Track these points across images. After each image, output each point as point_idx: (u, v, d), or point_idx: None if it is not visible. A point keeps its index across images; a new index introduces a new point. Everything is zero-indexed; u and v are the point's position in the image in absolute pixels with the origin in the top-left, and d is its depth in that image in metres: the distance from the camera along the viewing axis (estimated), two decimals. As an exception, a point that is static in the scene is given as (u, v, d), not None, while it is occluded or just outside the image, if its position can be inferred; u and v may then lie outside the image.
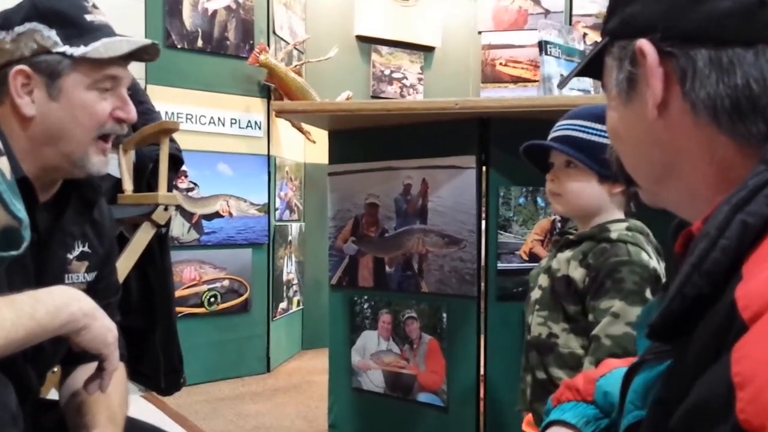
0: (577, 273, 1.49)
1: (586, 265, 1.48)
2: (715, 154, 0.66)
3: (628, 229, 1.49)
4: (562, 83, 0.87)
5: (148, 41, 1.26)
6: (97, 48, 1.18)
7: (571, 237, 1.55)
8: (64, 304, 1.03)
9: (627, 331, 1.37)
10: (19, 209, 0.99)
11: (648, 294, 1.41)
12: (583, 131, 1.48)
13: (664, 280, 1.43)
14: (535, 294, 1.61)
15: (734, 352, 0.50)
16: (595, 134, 1.46)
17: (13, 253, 0.98)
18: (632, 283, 1.41)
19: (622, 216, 1.55)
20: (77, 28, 1.19)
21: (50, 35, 1.17)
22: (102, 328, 1.07)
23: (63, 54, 1.17)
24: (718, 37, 0.64)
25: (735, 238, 0.57)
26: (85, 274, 1.34)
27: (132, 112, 1.25)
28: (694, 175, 0.69)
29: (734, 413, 0.48)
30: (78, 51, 1.17)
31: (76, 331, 1.04)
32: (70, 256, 1.30)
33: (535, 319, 1.57)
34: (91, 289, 1.32)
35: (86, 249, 1.33)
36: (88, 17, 1.21)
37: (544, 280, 1.59)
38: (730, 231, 0.57)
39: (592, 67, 0.79)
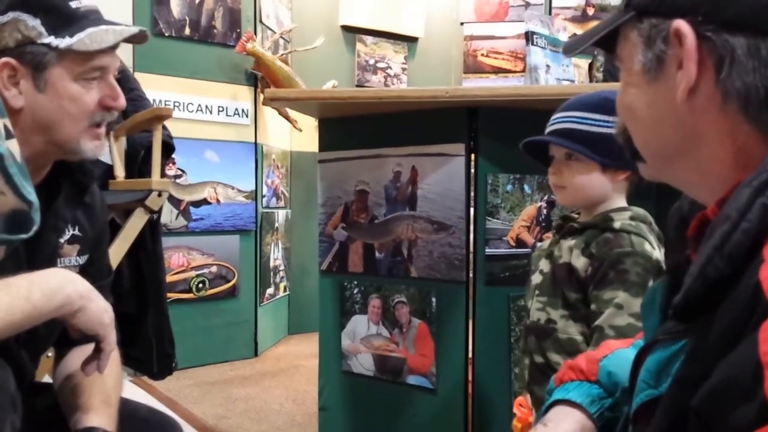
0: (580, 262, 1.48)
1: (589, 254, 1.47)
2: (737, 140, 0.66)
3: (632, 218, 1.49)
4: (571, 50, 0.85)
5: (135, 29, 1.23)
6: (83, 39, 1.16)
7: (575, 225, 1.55)
8: (59, 286, 1.03)
9: (630, 322, 1.36)
10: (30, 192, 0.98)
11: (651, 285, 1.36)
12: (581, 122, 1.48)
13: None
14: (536, 279, 1.61)
15: (761, 332, 0.51)
16: (594, 125, 1.46)
17: (23, 236, 0.98)
18: (636, 275, 1.41)
19: (624, 202, 1.54)
20: (62, 17, 1.16)
21: (35, 25, 1.14)
22: (98, 309, 1.08)
23: (48, 45, 1.15)
24: (759, 26, 0.63)
25: (756, 221, 0.57)
26: (77, 258, 1.33)
27: (121, 99, 1.23)
28: (710, 157, 0.68)
29: (762, 391, 0.49)
30: (63, 43, 1.15)
31: (72, 313, 1.04)
32: (61, 240, 1.29)
33: (535, 304, 1.58)
34: (83, 272, 1.30)
35: (77, 232, 1.32)
36: (74, 4, 1.18)
37: (545, 265, 1.59)
38: (751, 214, 0.58)
39: (604, 38, 0.77)
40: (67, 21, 1.17)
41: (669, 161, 0.74)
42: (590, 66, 3.06)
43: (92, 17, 1.20)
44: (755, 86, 0.64)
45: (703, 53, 0.65)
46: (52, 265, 1.26)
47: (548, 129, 1.54)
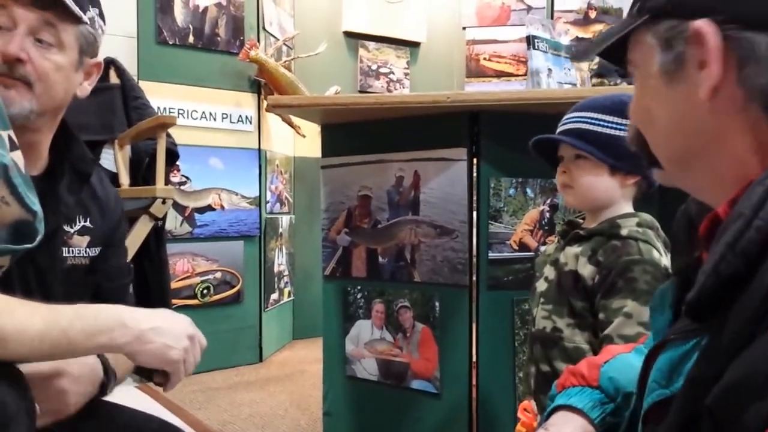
0: (586, 270, 1.46)
1: (596, 262, 1.45)
2: (755, 140, 0.66)
3: (639, 224, 1.46)
4: (580, 58, 0.86)
5: None
6: None
7: (581, 232, 1.52)
8: (106, 328, 1.01)
9: (640, 331, 1.33)
10: (34, 202, 0.98)
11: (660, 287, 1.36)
12: (593, 123, 1.46)
13: None
14: (541, 286, 1.58)
15: None
16: (606, 126, 1.45)
17: (27, 246, 0.98)
18: (645, 283, 1.38)
19: (631, 208, 1.52)
20: None
21: None
22: (157, 349, 1.06)
23: None
24: None
25: None
26: (87, 249, 1.33)
27: (10, 46, 1.15)
28: (729, 158, 0.68)
29: None
30: None
31: (123, 353, 1.04)
32: (71, 230, 1.29)
33: (540, 312, 1.55)
34: (94, 266, 1.33)
35: (88, 224, 1.33)
36: None
37: (550, 271, 1.56)
38: (764, 211, 0.58)
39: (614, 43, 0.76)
40: None
41: (687, 165, 0.73)
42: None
43: None
44: None
45: (725, 52, 0.65)
46: (55, 251, 1.27)
47: (560, 128, 1.53)
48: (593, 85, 2.55)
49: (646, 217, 1.50)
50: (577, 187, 1.51)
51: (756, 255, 0.57)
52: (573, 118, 1.50)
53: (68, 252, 1.30)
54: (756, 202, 0.59)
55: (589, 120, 1.47)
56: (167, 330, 1.08)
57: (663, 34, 0.70)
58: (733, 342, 0.56)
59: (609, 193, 1.50)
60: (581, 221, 1.60)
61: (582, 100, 1.54)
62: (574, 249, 1.51)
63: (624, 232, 1.45)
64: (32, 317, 0.95)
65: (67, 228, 1.29)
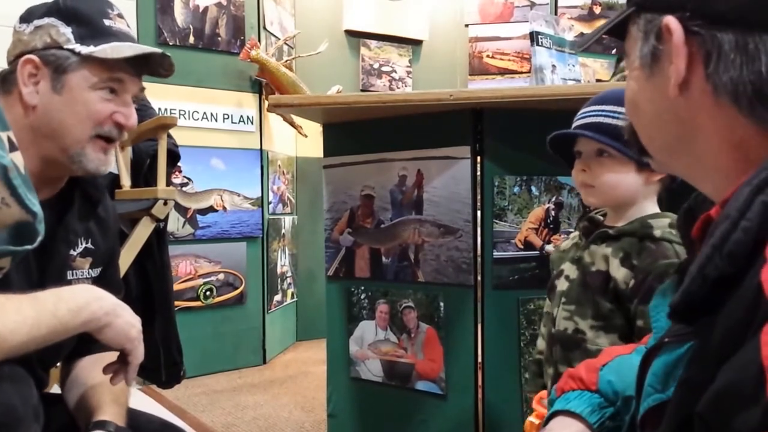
0: (620, 273, 1.39)
1: (630, 265, 1.38)
2: (734, 134, 0.65)
3: (670, 225, 1.38)
4: (580, 45, 0.88)
5: (158, 50, 1.29)
6: (104, 49, 1.21)
7: (610, 231, 1.44)
8: (85, 303, 1.06)
9: None
10: (34, 203, 1.00)
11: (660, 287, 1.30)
12: (616, 117, 1.37)
13: None
14: (561, 285, 1.51)
15: (763, 335, 0.50)
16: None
17: (28, 247, 0.99)
18: None
19: (656, 206, 1.45)
20: (93, 30, 1.23)
21: (65, 32, 1.21)
22: (124, 324, 1.10)
23: (72, 51, 1.21)
24: (746, 21, 0.63)
25: (757, 220, 0.57)
26: (90, 270, 1.35)
27: (132, 119, 1.27)
28: (710, 152, 0.68)
29: (765, 396, 0.48)
30: (86, 50, 1.21)
31: (98, 328, 1.07)
32: (74, 253, 1.31)
33: (561, 312, 1.48)
34: (96, 285, 1.33)
35: (90, 245, 1.35)
36: (107, 22, 1.25)
37: (571, 270, 1.50)
38: (751, 212, 0.57)
39: (616, 30, 0.77)
40: (96, 34, 1.23)
41: (673, 155, 0.74)
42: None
43: (123, 37, 1.25)
44: (743, 81, 0.63)
45: (693, 48, 0.66)
46: (62, 276, 1.29)
47: (577, 122, 1.45)
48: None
49: (674, 217, 1.41)
50: (600, 185, 1.43)
51: (744, 257, 0.57)
52: (593, 111, 1.42)
53: (72, 275, 1.32)
54: (742, 203, 0.58)
55: (611, 114, 1.39)
56: (124, 310, 1.13)
57: (643, 27, 0.71)
58: (722, 346, 0.55)
59: (633, 191, 1.43)
60: (601, 218, 1.53)
61: (600, 93, 1.46)
62: (603, 249, 1.44)
63: (657, 233, 1.38)
64: (21, 308, 0.99)
65: (71, 252, 1.32)
